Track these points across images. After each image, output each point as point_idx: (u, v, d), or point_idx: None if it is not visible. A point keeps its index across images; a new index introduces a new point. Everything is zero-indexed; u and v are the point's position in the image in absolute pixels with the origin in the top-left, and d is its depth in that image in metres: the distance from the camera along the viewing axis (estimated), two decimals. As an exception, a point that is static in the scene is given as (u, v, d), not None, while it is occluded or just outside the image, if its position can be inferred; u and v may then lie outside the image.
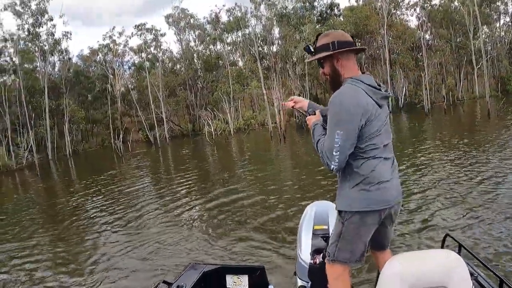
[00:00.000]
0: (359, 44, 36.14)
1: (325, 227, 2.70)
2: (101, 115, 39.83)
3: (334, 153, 1.90)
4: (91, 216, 9.77)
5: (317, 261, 2.39)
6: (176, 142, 34.09)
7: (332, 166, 1.93)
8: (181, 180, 13.07)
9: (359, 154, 1.94)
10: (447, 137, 15.58)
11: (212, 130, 30.09)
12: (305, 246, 2.59)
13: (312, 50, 2.08)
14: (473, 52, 35.78)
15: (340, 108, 1.88)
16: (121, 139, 32.02)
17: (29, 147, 30.63)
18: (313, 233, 2.66)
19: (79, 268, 6.24)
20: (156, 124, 36.35)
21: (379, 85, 1.99)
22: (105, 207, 10.48)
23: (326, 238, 2.47)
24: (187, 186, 11.92)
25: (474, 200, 6.92)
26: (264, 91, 28.93)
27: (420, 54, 34.41)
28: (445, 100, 30.87)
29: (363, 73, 2.04)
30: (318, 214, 2.82)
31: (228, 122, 32.54)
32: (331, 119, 1.92)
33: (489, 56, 37.51)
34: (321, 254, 2.38)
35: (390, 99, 2.19)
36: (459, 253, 2.38)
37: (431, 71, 34.56)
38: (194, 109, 39.00)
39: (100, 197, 12.14)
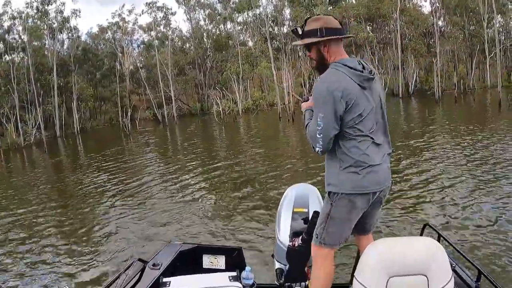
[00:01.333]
0: (370, 28, 35.70)
1: (305, 210, 2.66)
2: (109, 93, 39.90)
3: (317, 135, 1.95)
4: (97, 191, 10.03)
5: (296, 244, 2.36)
6: (184, 121, 34.16)
7: (317, 149, 1.98)
8: (186, 159, 13.24)
9: (349, 137, 1.96)
10: (458, 127, 15.11)
11: (221, 110, 30.07)
12: (283, 229, 2.57)
13: (300, 33, 2.05)
14: (486, 41, 35.29)
15: (321, 92, 1.93)
16: (129, 117, 32.18)
17: (37, 124, 30.84)
18: (292, 216, 2.62)
19: (82, 237, 6.60)
20: (164, 103, 36.35)
21: (364, 68, 1.97)
22: (110, 184, 10.72)
23: (305, 221, 2.46)
24: (192, 165, 12.00)
25: (465, 192, 6.93)
26: (274, 72, 28.78)
27: (433, 40, 33.97)
28: (456, 88, 30.54)
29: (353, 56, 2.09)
30: (298, 197, 2.78)
31: (237, 102, 32.46)
32: (314, 103, 1.99)
33: (502, 46, 36.97)
34: (300, 237, 2.36)
35: (376, 79, 2.03)
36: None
37: (443, 58, 34.19)
38: (203, 88, 38.92)
39: (107, 174, 12.31)
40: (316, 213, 2.24)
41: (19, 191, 11.45)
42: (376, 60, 31.82)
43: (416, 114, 23.67)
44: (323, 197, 2.40)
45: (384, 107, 2.09)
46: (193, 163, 12.21)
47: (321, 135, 1.94)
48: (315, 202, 2.75)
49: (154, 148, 18.28)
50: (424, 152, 10.65)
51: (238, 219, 6.53)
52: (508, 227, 5.21)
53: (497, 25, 32.53)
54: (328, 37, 1.97)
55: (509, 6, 41.71)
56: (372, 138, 1.97)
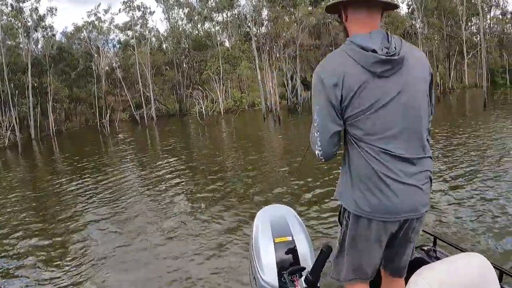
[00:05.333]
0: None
1: (288, 238, 2.18)
2: (85, 94, 38.71)
3: (315, 133, 1.53)
4: (74, 195, 9.32)
5: (298, 287, 1.89)
6: (163, 122, 33.36)
7: (317, 151, 1.55)
8: (166, 163, 12.43)
9: (353, 140, 1.50)
10: (454, 127, 15.04)
11: (203, 110, 29.44)
12: (268, 265, 2.06)
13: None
14: (464, 42, 35.87)
15: (316, 79, 1.51)
16: (108, 119, 31.19)
17: (11, 126, 29.48)
18: (275, 249, 2.12)
19: (56, 240, 6.12)
20: (143, 104, 35.49)
21: (387, 46, 1.44)
22: (88, 187, 10.00)
23: (293, 253, 2.04)
24: (171, 170, 11.25)
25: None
26: (258, 71, 28.38)
27: (411, 42, 34.29)
28: (438, 88, 30.90)
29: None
30: (276, 224, 2.29)
31: (217, 102, 31.92)
32: (312, 94, 1.58)
33: (479, 47, 37.67)
34: (302, 277, 1.88)
35: (410, 63, 1.47)
36: (434, 245, 2.15)
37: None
38: (181, 88, 38.20)
39: (85, 177, 11.55)
40: (326, 247, 1.77)
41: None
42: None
43: None
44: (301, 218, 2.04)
45: (423, 104, 1.50)
46: (176, 168, 11.57)
47: (319, 133, 1.52)
48: (298, 227, 2.26)
49: (134, 152, 17.46)
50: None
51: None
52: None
53: (482, 26, 33.10)
54: None
55: (486, 9, 42.69)
56: (386, 146, 1.44)
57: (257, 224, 2.33)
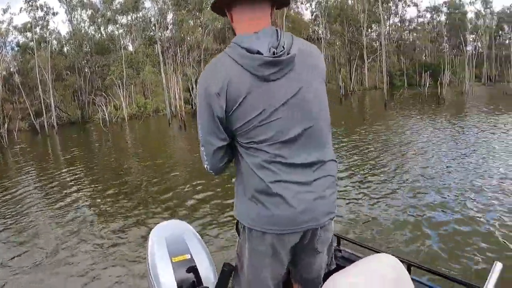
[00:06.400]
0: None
1: (187, 256, 2.03)
2: (-22, 101, 35.27)
3: (201, 148, 1.42)
4: None
5: None
6: (65, 130, 31.45)
7: (205, 165, 1.45)
8: (66, 174, 11.67)
9: (246, 151, 1.37)
10: (367, 125, 15.97)
11: (107, 117, 28.24)
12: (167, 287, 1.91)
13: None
14: (364, 47, 38.57)
15: (199, 88, 1.37)
16: (6, 128, 28.63)
17: None
18: (173, 268, 1.96)
19: None
20: (43, 111, 33.17)
21: (274, 45, 1.30)
22: None
23: (194, 272, 1.89)
24: (71, 180, 10.67)
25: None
26: (163, 76, 27.89)
27: (314, 46, 36.13)
28: (341, 90, 32.79)
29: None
30: (171, 241, 2.12)
31: (120, 108, 30.85)
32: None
33: (379, 51, 40.76)
34: None
35: (300, 63, 1.34)
36: (338, 245, 2.07)
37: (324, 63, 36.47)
38: (83, 94, 36.35)
39: None
40: (227, 266, 1.62)
41: None
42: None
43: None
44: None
45: (321, 104, 1.38)
46: (76, 178, 10.88)
47: (203, 147, 1.40)
48: (196, 244, 2.10)
49: (34, 163, 16.09)
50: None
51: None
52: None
53: (383, 32, 35.64)
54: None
55: (385, 16, 46.34)
56: (279, 154, 1.31)
57: (152, 243, 2.15)
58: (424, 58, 49.19)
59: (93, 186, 9.93)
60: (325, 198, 1.37)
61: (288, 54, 1.29)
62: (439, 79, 34.28)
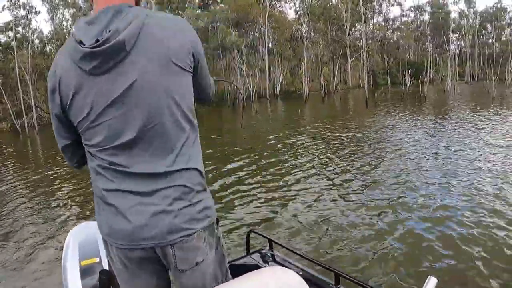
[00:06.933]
0: (237, 33, 36.54)
1: (96, 259, 1.92)
2: (-42, 102, 34.81)
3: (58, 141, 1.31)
4: None
5: None
6: (46, 131, 31.20)
7: (67, 160, 1.36)
8: (45, 176, 11.39)
9: (88, 155, 1.22)
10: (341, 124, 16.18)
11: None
12: None
13: None
14: (348, 46, 38.89)
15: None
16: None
17: None
18: (81, 272, 1.85)
19: None
20: (24, 112, 32.86)
21: (110, 29, 1.07)
22: None
23: (103, 274, 1.77)
24: (51, 181, 10.45)
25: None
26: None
27: (297, 45, 36.28)
28: (323, 89, 33.00)
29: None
30: (84, 243, 2.00)
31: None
32: None
33: (362, 50, 41.21)
34: None
35: (138, 52, 1.09)
36: (270, 249, 1.99)
37: (307, 62, 36.77)
38: (66, 94, 36.04)
39: None
40: (104, 273, 1.53)
41: None
42: (244, 63, 32.77)
43: (296, 113, 24.75)
44: None
45: (170, 99, 1.12)
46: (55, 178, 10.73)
47: (58, 142, 1.30)
48: None
49: (15, 165, 15.85)
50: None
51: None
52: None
53: (364, 31, 36.00)
54: None
55: (369, 16, 46.83)
56: (114, 160, 1.14)
57: (66, 247, 2.03)
58: (408, 56, 49.81)
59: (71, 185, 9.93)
60: (170, 212, 1.13)
61: (116, 39, 1.04)
62: (420, 77, 34.77)
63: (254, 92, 30.73)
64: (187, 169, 1.16)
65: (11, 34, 35.91)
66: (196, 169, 1.18)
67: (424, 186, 6.44)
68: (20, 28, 36.32)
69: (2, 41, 37.14)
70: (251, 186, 7.35)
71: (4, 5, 50.32)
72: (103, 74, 1.09)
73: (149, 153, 1.13)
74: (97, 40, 1.05)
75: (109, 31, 1.05)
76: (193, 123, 1.19)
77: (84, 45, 1.06)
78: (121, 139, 1.12)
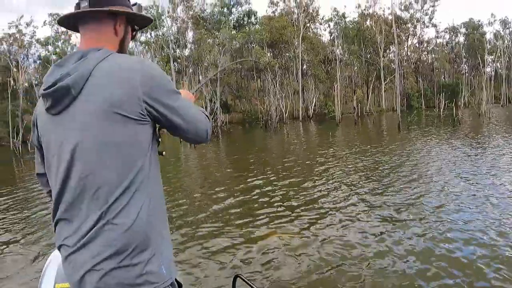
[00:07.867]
0: (271, 54, 36.45)
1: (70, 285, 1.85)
2: (0, 112, 36.20)
3: None
4: None
5: None
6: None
7: (41, 186, 1.45)
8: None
9: None
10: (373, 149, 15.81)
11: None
12: None
13: None
14: (381, 68, 38.24)
15: None
16: (21, 139, 29.22)
17: None
18: None
19: None
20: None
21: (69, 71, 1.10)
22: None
23: None
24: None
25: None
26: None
27: (331, 67, 35.93)
28: (356, 112, 32.44)
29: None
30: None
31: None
32: None
33: (395, 73, 40.51)
34: None
35: (87, 96, 1.08)
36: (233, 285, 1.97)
37: (341, 84, 36.36)
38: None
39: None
40: None
41: None
42: (277, 84, 32.70)
43: (328, 135, 24.42)
44: None
45: (94, 153, 1.08)
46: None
47: None
48: None
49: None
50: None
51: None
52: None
53: (397, 54, 35.37)
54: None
55: (403, 38, 46.08)
56: (57, 206, 1.15)
57: (45, 268, 1.97)
58: (443, 79, 48.61)
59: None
60: (95, 272, 1.07)
61: (58, 84, 1.07)
62: (455, 100, 33.72)
63: (287, 114, 30.49)
64: (119, 225, 1.07)
65: (50, 48, 37.33)
66: (129, 227, 1.08)
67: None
68: (59, 43, 37.64)
69: (42, 54, 38.61)
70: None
71: (45, 21, 53.12)
72: (57, 114, 1.11)
73: (80, 207, 1.10)
74: (52, 85, 1.09)
75: (60, 75, 1.08)
76: (134, 172, 1.10)
77: (44, 86, 1.12)
78: (59, 187, 1.12)
